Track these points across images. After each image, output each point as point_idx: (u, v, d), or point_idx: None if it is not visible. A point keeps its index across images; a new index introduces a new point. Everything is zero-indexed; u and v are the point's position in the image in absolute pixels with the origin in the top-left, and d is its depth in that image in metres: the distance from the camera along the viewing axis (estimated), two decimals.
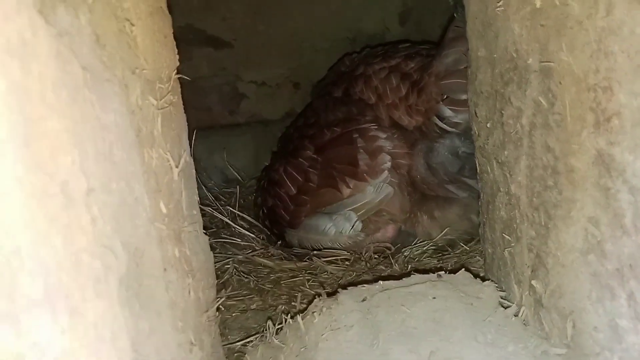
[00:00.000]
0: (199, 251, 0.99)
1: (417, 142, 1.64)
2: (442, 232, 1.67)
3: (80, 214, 0.49)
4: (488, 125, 1.11)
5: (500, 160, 1.07)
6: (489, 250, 1.22)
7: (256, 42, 2.40)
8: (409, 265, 1.59)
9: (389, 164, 1.61)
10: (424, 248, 1.66)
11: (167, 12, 0.96)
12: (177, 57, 0.98)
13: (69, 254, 0.45)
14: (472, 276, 1.16)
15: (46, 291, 0.40)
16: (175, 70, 0.96)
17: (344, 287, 1.20)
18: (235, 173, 2.36)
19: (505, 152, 1.04)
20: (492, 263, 1.20)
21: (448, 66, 1.55)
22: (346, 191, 1.63)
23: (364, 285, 1.17)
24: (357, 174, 1.61)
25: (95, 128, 0.58)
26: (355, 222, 1.66)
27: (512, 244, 1.05)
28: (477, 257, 1.57)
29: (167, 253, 0.78)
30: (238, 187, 2.27)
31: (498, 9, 1.00)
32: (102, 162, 0.59)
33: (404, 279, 1.17)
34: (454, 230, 1.67)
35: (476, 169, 1.36)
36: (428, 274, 1.19)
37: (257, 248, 1.77)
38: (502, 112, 1.03)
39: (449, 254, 1.63)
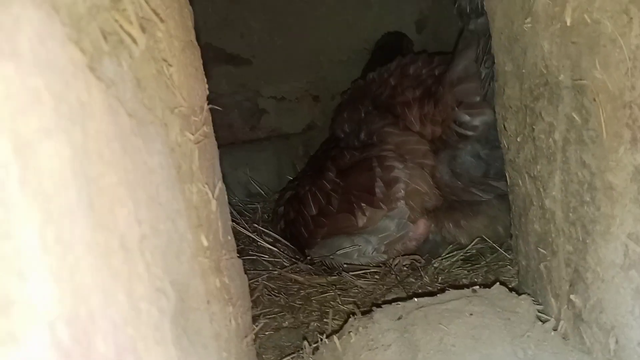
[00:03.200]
0: (236, 277, 1.00)
1: (440, 151, 1.65)
2: (470, 240, 1.67)
3: (137, 262, 0.50)
4: (518, 139, 1.11)
5: (532, 175, 1.07)
6: (523, 263, 1.21)
7: (274, 58, 2.42)
8: (439, 277, 1.59)
9: (402, 193, 1.62)
10: (453, 259, 1.66)
11: (196, 44, 0.98)
12: (207, 86, 0.99)
13: (130, 306, 0.46)
14: (507, 290, 1.15)
15: (117, 348, 0.41)
16: (207, 102, 0.97)
17: (378, 304, 1.20)
18: (258, 188, 2.38)
19: (538, 167, 1.03)
20: (527, 275, 1.19)
21: (459, 74, 1.56)
22: (362, 219, 1.64)
23: (399, 302, 1.17)
24: (373, 201, 1.63)
25: (144, 173, 0.60)
26: (377, 244, 1.66)
27: (548, 258, 1.05)
28: (508, 265, 1.57)
29: (209, 285, 0.79)
30: (262, 202, 2.29)
31: (526, 25, 1.00)
32: (151, 206, 0.60)
33: (438, 295, 1.17)
34: (482, 239, 1.67)
35: (502, 173, 1.38)
36: (462, 288, 1.18)
37: (285, 264, 1.78)
38: (533, 126, 1.03)
39: (479, 264, 1.62)
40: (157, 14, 0.72)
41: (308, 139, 2.47)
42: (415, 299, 1.17)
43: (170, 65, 0.77)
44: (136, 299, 0.48)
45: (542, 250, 1.08)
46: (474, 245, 1.68)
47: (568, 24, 0.87)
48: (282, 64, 2.43)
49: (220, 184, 0.97)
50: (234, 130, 2.44)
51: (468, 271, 1.60)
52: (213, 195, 0.87)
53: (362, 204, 1.62)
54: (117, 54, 0.62)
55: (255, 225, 1.96)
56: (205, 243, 0.79)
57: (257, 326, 1.09)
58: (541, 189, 1.04)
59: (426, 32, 2.54)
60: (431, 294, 1.19)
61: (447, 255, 1.68)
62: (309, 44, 2.44)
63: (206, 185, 0.84)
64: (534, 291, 1.16)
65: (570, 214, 0.94)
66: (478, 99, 1.53)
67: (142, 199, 0.56)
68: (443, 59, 1.77)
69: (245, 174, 2.37)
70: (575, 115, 0.90)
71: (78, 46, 0.48)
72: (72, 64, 0.44)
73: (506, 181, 1.58)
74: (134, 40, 0.60)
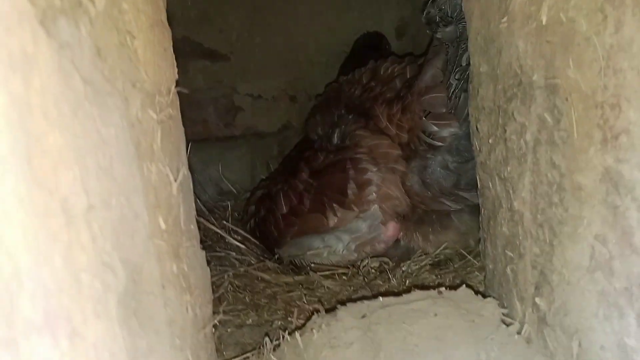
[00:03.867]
0: (197, 267, 0.97)
1: (410, 160, 1.63)
2: (438, 247, 1.66)
3: (81, 231, 0.47)
4: (490, 140, 1.10)
5: (502, 176, 1.06)
6: (490, 267, 1.20)
7: (253, 55, 2.40)
8: (407, 280, 1.57)
9: (374, 196, 1.60)
10: (422, 263, 1.65)
11: (167, 24, 0.95)
12: (176, 70, 0.96)
13: (69, 275, 0.43)
14: (473, 293, 1.14)
15: (46, 314, 0.39)
16: (175, 84, 0.95)
17: (343, 302, 1.18)
18: (230, 186, 2.34)
19: (508, 168, 1.03)
20: (493, 279, 1.18)
21: (427, 83, 1.55)
22: (332, 219, 1.62)
23: (363, 301, 1.15)
24: (344, 202, 1.61)
25: (96, 142, 0.57)
26: (348, 242, 1.65)
27: (515, 261, 1.04)
28: (475, 272, 1.56)
29: (165, 270, 0.76)
30: (233, 200, 2.25)
31: (502, 25, 0.99)
32: (102, 177, 0.57)
33: (404, 295, 1.15)
34: (451, 245, 1.67)
35: (475, 183, 1.37)
36: (428, 290, 1.17)
37: (252, 262, 1.75)
38: (505, 128, 1.02)
39: (447, 269, 1.61)
40: None
41: (283, 139, 2.45)
42: (380, 298, 1.15)
43: (135, 38, 0.74)
44: (77, 269, 0.45)
45: (509, 253, 1.07)
46: (442, 250, 1.67)
47: (544, 22, 0.86)
48: (260, 62, 2.41)
49: (184, 170, 0.94)
50: (209, 126, 2.40)
51: (436, 276, 1.59)
52: (176, 179, 0.84)
53: (334, 205, 1.60)
54: (75, 16, 0.59)
55: (225, 223, 1.93)
56: (163, 226, 0.76)
57: (217, 320, 1.06)
58: (510, 191, 1.03)
59: (406, 38, 2.54)
60: (397, 294, 1.17)
61: (415, 259, 1.67)
62: (288, 43, 2.42)
63: (167, 167, 0.82)
64: (499, 295, 1.15)
65: (539, 216, 0.94)
66: (444, 110, 1.52)
67: (91, 168, 0.53)
68: (412, 58, 1.76)
69: (218, 172, 2.33)
70: (547, 116, 0.89)
71: None
72: (17, 13, 0.41)
73: (476, 192, 1.58)
74: (92, 0, 0.57)
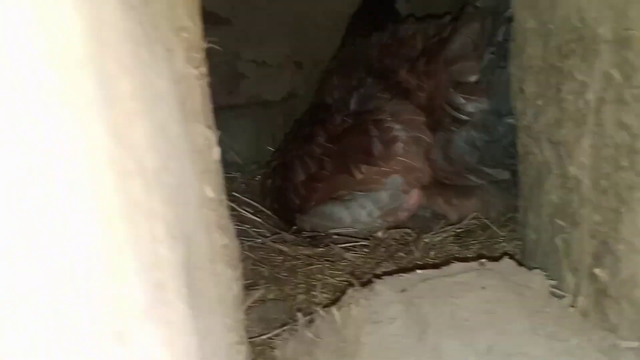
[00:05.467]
0: (233, 238, 0.90)
1: (434, 133, 1.55)
2: (460, 219, 1.60)
3: (155, 198, 0.40)
4: (538, 102, 1.03)
5: (554, 140, 0.99)
6: (531, 236, 1.14)
7: (256, 19, 2.28)
8: (431, 252, 1.52)
9: (402, 151, 1.53)
10: (445, 234, 1.59)
11: None
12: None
13: (152, 250, 0.36)
14: (516, 264, 1.08)
15: (148, 299, 0.31)
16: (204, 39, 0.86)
17: (377, 275, 1.12)
18: (236, 156, 2.25)
19: (563, 131, 0.96)
20: (536, 250, 1.13)
21: (456, 52, 1.47)
22: (359, 176, 1.55)
23: (402, 275, 1.09)
24: (370, 161, 1.54)
25: (154, 96, 0.49)
26: (371, 208, 1.58)
27: (567, 230, 0.98)
28: (502, 242, 1.50)
29: (214, 242, 0.69)
30: (239, 172, 2.17)
31: None
32: (161, 137, 0.49)
33: (443, 267, 1.09)
34: (475, 214, 1.61)
35: (498, 160, 1.32)
36: (467, 261, 1.11)
37: (267, 234, 1.68)
38: (560, 87, 0.95)
39: (472, 240, 1.55)
40: None
41: (289, 107, 2.35)
42: (419, 271, 1.09)
43: None
44: (157, 241, 0.38)
45: (559, 222, 1.01)
46: (465, 221, 1.61)
47: None
48: (264, 26, 2.30)
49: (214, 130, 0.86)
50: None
51: (460, 247, 1.53)
52: (215, 142, 0.77)
53: (360, 165, 1.53)
54: None
55: (235, 194, 1.84)
56: (211, 194, 0.68)
57: (256, 295, 1.00)
58: (564, 156, 0.97)
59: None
60: (435, 266, 1.11)
61: (437, 231, 1.60)
62: (293, 6, 2.31)
63: (209, 130, 0.74)
64: (544, 266, 1.09)
65: (602, 181, 0.87)
66: (475, 79, 1.44)
67: (156, 124, 0.45)
68: (439, 25, 1.67)
69: (222, 142, 2.23)
70: (614, 72, 0.82)
71: None
72: None
73: (501, 168, 1.52)
74: None
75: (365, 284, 1.12)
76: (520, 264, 1.15)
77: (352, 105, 1.65)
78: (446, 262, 1.12)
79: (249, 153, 2.30)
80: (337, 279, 1.42)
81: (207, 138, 0.72)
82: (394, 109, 1.55)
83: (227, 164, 2.48)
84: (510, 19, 1.29)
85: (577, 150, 0.93)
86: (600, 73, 0.85)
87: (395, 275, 1.10)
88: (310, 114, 1.84)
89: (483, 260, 1.10)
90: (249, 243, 1.58)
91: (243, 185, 2.09)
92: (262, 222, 1.74)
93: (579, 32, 0.89)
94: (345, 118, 1.62)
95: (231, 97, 2.34)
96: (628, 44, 0.78)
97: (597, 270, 0.90)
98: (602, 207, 0.88)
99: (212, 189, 0.69)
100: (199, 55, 0.80)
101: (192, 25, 0.70)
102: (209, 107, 0.81)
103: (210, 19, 2.33)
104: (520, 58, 1.09)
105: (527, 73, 1.07)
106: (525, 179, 1.14)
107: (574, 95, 0.92)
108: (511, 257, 1.11)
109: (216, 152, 0.76)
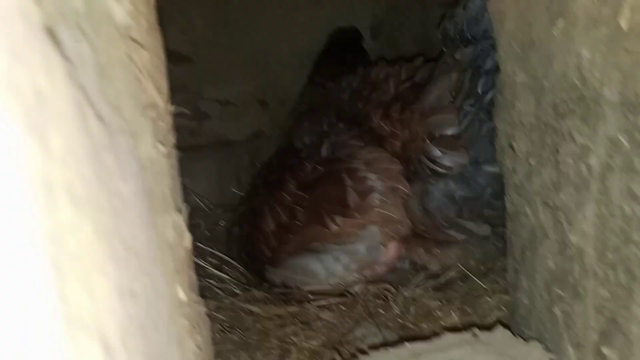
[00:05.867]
0: (204, 328, 0.79)
1: (411, 182, 1.48)
2: (442, 267, 1.53)
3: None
4: (531, 161, 0.97)
5: (551, 204, 0.92)
6: (524, 301, 1.07)
7: (219, 57, 2.20)
8: (411, 307, 1.43)
9: (378, 203, 1.45)
10: (424, 289, 1.50)
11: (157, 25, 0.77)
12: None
13: None
14: (511, 334, 1.00)
15: None
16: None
17: (362, 351, 1.02)
18: (198, 200, 2.14)
19: (561, 196, 0.89)
20: (529, 316, 1.05)
21: (432, 103, 1.42)
22: (334, 228, 1.46)
23: (389, 348, 1.00)
24: (345, 212, 1.45)
25: (119, 211, 0.39)
26: (347, 262, 1.49)
27: (568, 301, 0.91)
28: (485, 296, 1.43)
29: (186, 353, 0.58)
30: (203, 217, 2.06)
31: (555, 28, 0.85)
32: (128, 262, 0.39)
33: (434, 340, 1.00)
34: (455, 263, 1.54)
35: (477, 213, 1.26)
36: (459, 332, 1.03)
37: (235, 290, 1.57)
38: (557, 148, 0.89)
39: (453, 293, 1.47)
40: None
41: (254, 148, 2.25)
42: (407, 344, 1.00)
43: (142, 48, 0.55)
44: None
45: (557, 291, 0.93)
46: (445, 272, 1.53)
47: (625, 28, 0.72)
48: (227, 64, 2.21)
49: (184, 208, 0.76)
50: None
51: (441, 302, 1.45)
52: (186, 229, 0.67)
53: (334, 216, 1.43)
54: (76, 20, 0.40)
55: (199, 245, 1.72)
56: (183, 297, 0.58)
57: None
58: (563, 222, 0.90)
59: (381, 38, 2.40)
60: (424, 338, 1.02)
61: (416, 283, 1.52)
62: (257, 44, 2.23)
63: (180, 216, 0.63)
64: (540, 335, 1.02)
65: (609, 254, 0.80)
66: (452, 132, 1.38)
67: (120, 255, 0.35)
68: (410, 69, 1.61)
69: (184, 186, 2.12)
70: (621, 138, 0.76)
71: None
72: (25, 20, 0.23)
73: (481, 221, 1.45)
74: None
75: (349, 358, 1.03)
76: (511, 329, 1.07)
77: (324, 151, 1.57)
78: (435, 333, 1.04)
79: (213, 196, 2.18)
80: (313, 342, 1.32)
81: (178, 227, 0.61)
82: (368, 157, 1.48)
83: (189, 210, 2.33)
84: (490, 71, 1.24)
85: (578, 217, 0.86)
86: (605, 138, 0.79)
87: (382, 349, 1.01)
88: (279, 158, 1.75)
89: (476, 330, 1.02)
90: (216, 303, 1.47)
91: (207, 232, 1.98)
92: (230, 277, 1.63)
93: (579, 92, 0.83)
94: (317, 165, 1.53)
95: (193, 137, 2.23)
96: (638, 109, 0.72)
97: (604, 349, 0.83)
98: (609, 282, 0.81)
99: (185, 290, 0.58)
100: (165, 122, 0.70)
101: (160, 101, 0.60)
102: (178, 185, 0.71)
103: (172, 58, 2.23)
104: (509, 113, 1.02)
105: (517, 129, 1.00)
106: (516, 239, 1.07)
107: (574, 158, 0.85)
108: (504, 325, 1.04)
109: (188, 239, 0.66)
